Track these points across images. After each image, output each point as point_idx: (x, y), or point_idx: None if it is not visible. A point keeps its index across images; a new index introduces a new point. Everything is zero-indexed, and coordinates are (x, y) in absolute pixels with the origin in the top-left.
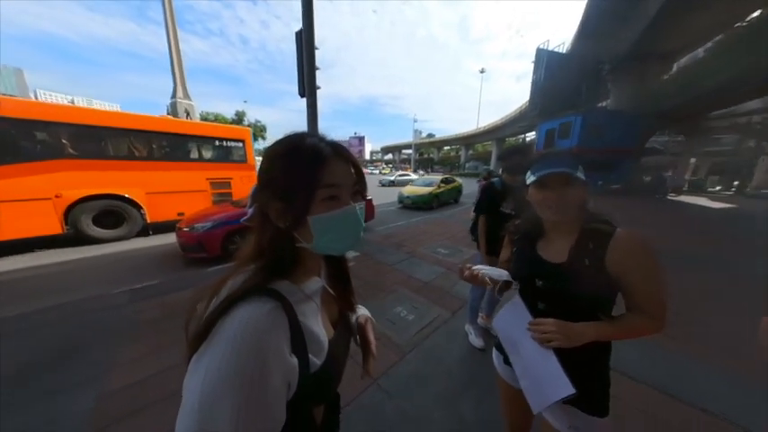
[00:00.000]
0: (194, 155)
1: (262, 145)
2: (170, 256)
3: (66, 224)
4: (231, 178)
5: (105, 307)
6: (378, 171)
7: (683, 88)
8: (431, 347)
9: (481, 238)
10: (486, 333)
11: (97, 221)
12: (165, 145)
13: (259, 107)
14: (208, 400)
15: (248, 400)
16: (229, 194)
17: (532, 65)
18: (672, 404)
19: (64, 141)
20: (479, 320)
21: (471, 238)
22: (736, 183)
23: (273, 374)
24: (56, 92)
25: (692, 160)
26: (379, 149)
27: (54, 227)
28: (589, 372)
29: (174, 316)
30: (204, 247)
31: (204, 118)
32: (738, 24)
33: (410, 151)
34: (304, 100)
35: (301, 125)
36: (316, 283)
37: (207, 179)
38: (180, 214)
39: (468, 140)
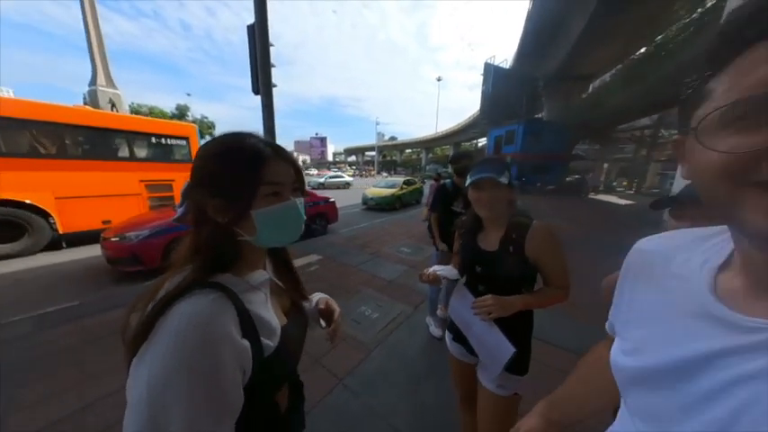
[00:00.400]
0: (123, 153)
1: None
2: (93, 271)
3: None
4: (173, 180)
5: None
6: (342, 173)
7: (595, 106)
8: (395, 342)
9: (435, 232)
10: (445, 323)
11: None
12: (81, 140)
13: (206, 102)
14: (156, 392)
15: (200, 389)
16: (172, 198)
17: (482, 77)
18: (576, 359)
19: None
20: (438, 312)
21: (429, 235)
22: (634, 184)
23: (225, 361)
24: None
25: (606, 165)
26: (341, 151)
27: None
28: (514, 340)
29: (98, 341)
30: (140, 258)
31: (136, 111)
32: (632, 57)
33: (373, 153)
34: (259, 97)
35: (257, 123)
36: (261, 275)
37: (141, 181)
38: (106, 222)
39: (428, 144)
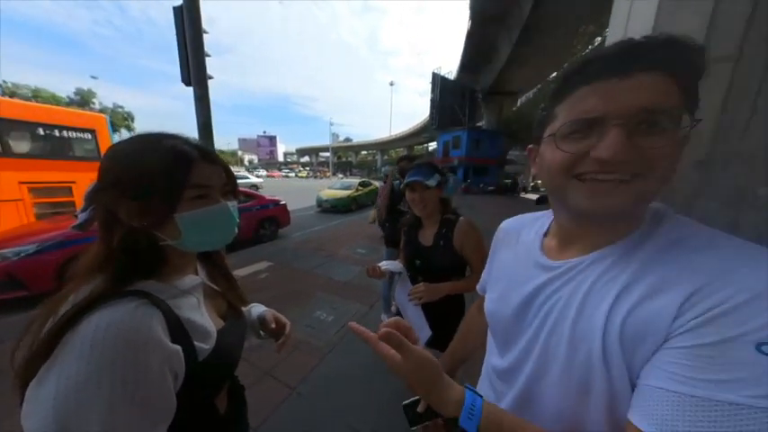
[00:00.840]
0: None
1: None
2: None
3: None
4: (73, 182)
5: None
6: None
7: (521, 118)
8: (349, 343)
9: (379, 218)
10: None
11: None
12: None
13: (121, 88)
14: (67, 407)
15: (124, 398)
16: (71, 204)
17: (430, 85)
18: None
19: None
20: (392, 308)
21: (381, 234)
22: None
23: (152, 367)
24: None
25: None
26: (293, 151)
27: None
28: (445, 322)
29: None
30: (22, 281)
31: (10, 93)
32: (547, 79)
33: (328, 154)
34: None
35: (190, 115)
36: (192, 280)
37: (21, 183)
38: None
39: (383, 146)
